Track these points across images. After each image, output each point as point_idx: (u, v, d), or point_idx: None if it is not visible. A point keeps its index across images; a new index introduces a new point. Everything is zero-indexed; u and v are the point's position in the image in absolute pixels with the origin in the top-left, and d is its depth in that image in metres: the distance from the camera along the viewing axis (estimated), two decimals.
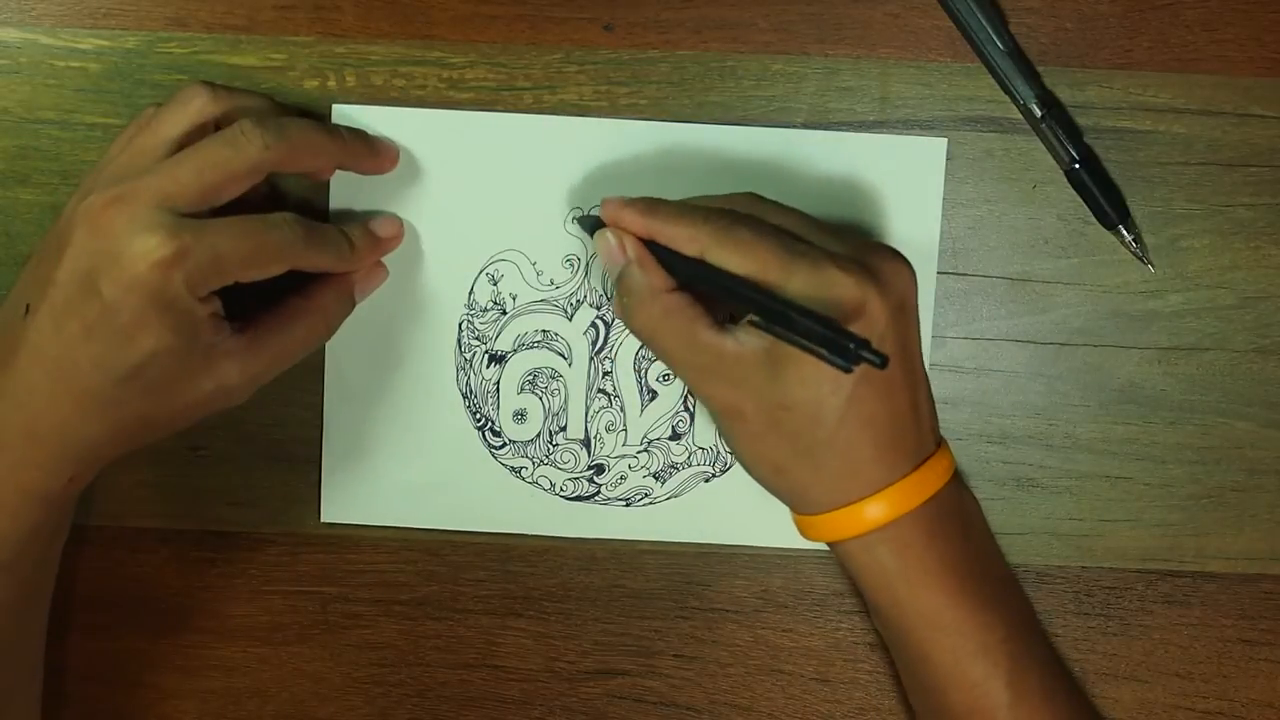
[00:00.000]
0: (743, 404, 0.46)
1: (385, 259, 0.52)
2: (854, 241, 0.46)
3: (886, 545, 0.46)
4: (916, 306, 0.47)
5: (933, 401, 0.49)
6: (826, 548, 0.49)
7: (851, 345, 0.40)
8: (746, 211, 0.47)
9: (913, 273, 0.46)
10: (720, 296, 0.46)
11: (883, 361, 0.40)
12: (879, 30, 0.52)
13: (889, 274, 0.45)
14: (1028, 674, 0.47)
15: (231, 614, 0.54)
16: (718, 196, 0.49)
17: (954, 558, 0.47)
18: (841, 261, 0.44)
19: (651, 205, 0.47)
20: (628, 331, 0.53)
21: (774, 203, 0.48)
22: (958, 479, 0.49)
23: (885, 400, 0.45)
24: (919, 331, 0.47)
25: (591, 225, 0.49)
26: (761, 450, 0.47)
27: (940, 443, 0.48)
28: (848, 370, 0.41)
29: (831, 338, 0.41)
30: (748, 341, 0.45)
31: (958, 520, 0.48)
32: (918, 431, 0.47)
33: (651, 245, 0.47)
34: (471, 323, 0.53)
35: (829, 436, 0.45)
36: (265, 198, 0.51)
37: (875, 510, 0.46)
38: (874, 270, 0.45)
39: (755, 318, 0.43)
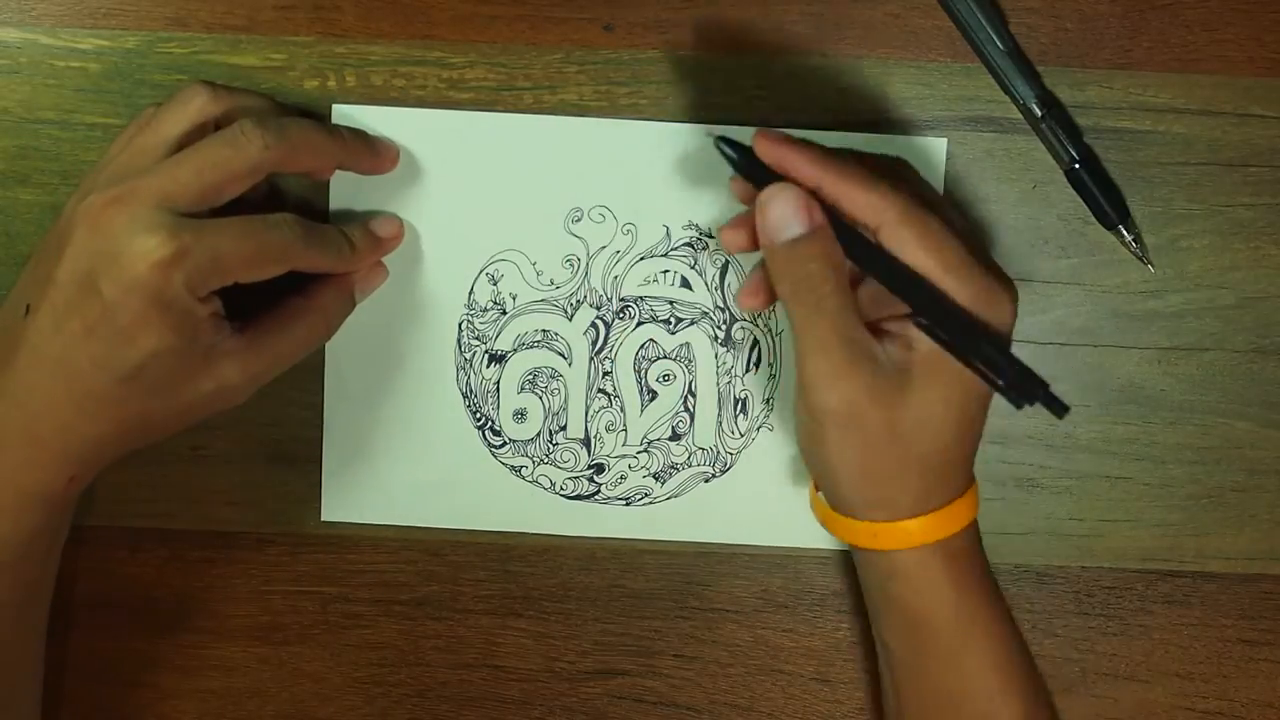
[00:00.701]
0: (862, 410, 0.43)
1: (385, 259, 0.52)
2: (987, 256, 0.45)
3: (941, 551, 0.46)
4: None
5: None
6: (840, 548, 0.49)
7: (1040, 390, 0.40)
8: (901, 175, 0.45)
9: (1017, 302, 0.45)
10: (892, 289, 0.42)
11: (1064, 410, 0.40)
12: (879, 30, 0.52)
13: (1005, 300, 0.44)
14: (1036, 690, 0.48)
15: (231, 614, 0.54)
16: (879, 160, 0.44)
17: (985, 570, 0.48)
18: (1004, 280, 0.43)
19: (826, 154, 0.42)
20: (627, 331, 0.53)
21: (939, 194, 0.46)
22: None
23: (982, 416, 0.46)
24: None
25: (741, 157, 0.42)
26: (866, 459, 0.45)
27: None
28: (1018, 407, 0.40)
29: (1021, 377, 0.40)
30: (891, 352, 0.44)
31: (978, 535, 0.48)
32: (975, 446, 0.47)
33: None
34: (471, 322, 0.53)
35: (940, 450, 0.45)
36: (265, 198, 0.51)
37: (948, 519, 0.46)
38: (1014, 291, 0.44)
39: (926, 323, 0.41)
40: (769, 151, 0.42)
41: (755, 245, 0.44)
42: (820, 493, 0.48)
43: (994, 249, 0.52)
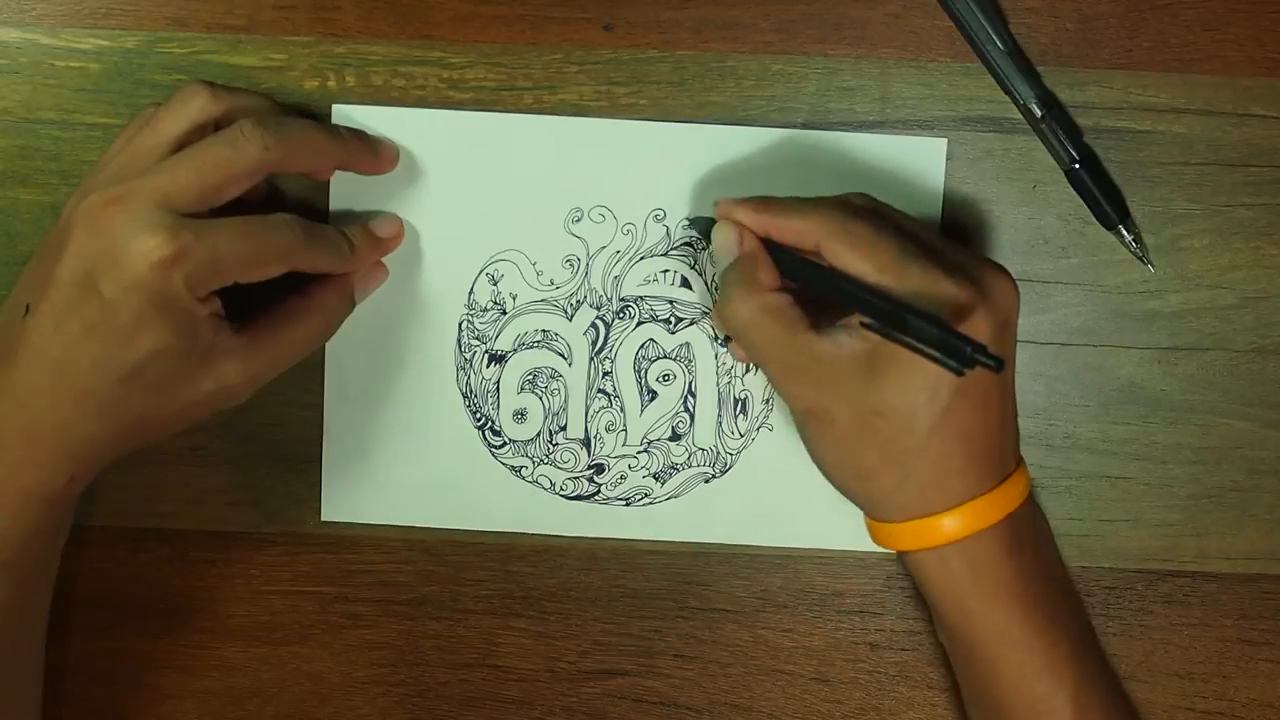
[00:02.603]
0: (834, 407, 0.45)
1: (385, 259, 0.52)
2: (964, 252, 0.46)
3: (962, 558, 0.46)
4: (1017, 325, 0.47)
5: (1017, 420, 0.48)
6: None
7: (968, 349, 0.40)
8: (844, 201, 0.47)
9: (1018, 293, 0.46)
10: (832, 296, 0.45)
11: (999, 364, 0.40)
12: (879, 30, 0.52)
13: (996, 289, 0.45)
14: (1091, 693, 0.47)
15: (231, 614, 0.54)
16: (830, 197, 0.48)
17: (1026, 574, 0.47)
18: (952, 270, 0.44)
19: (766, 201, 0.47)
20: (627, 331, 0.53)
21: (887, 205, 0.48)
22: (1032, 498, 0.49)
23: (979, 413, 0.45)
24: (1015, 351, 0.48)
25: (704, 227, 0.49)
26: (847, 455, 0.46)
27: (1020, 461, 0.48)
28: (960, 373, 0.40)
29: (947, 340, 0.40)
30: (847, 344, 0.45)
31: (1030, 538, 0.47)
32: (1003, 448, 0.47)
33: (766, 245, 0.47)
34: (471, 322, 0.53)
35: (921, 445, 0.45)
36: (265, 198, 0.51)
37: (956, 523, 0.46)
38: (982, 283, 0.45)
39: (868, 320, 0.42)
40: (721, 211, 0.48)
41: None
42: None
43: (994, 249, 0.52)
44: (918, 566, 0.47)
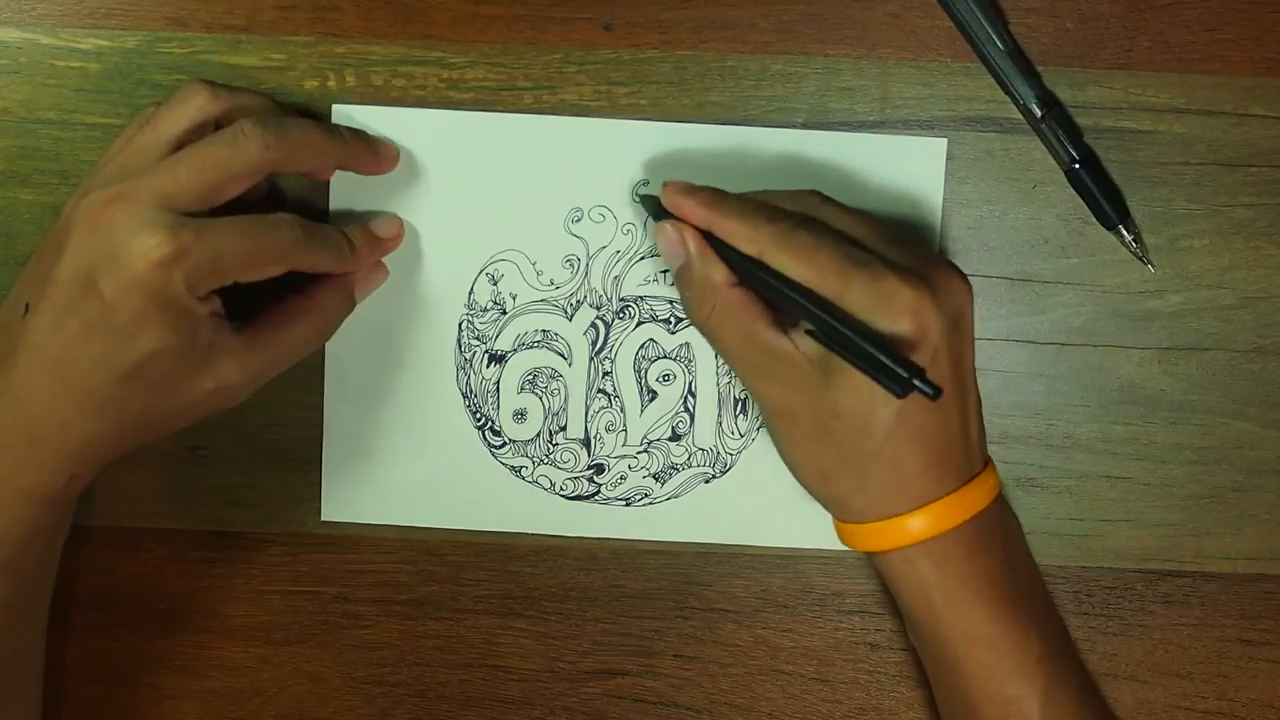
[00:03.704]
0: (795, 406, 0.46)
1: (385, 259, 0.52)
2: (915, 252, 0.46)
3: (927, 559, 0.46)
4: (972, 323, 0.47)
5: (983, 420, 0.49)
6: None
7: (905, 373, 0.40)
8: (810, 212, 0.47)
9: (970, 289, 0.46)
10: (777, 301, 0.46)
11: (936, 393, 0.40)
12: (879, 30, 0.52)
13: (946, 289, 0.45)
14: (1061, 694, 0.47)
15: (231, 614, 0.54)
16: (781, 193, 0.48)
17: (993, 575, 0.47)
18: (901, 272, 0.44)
19: (714, 198, 0.47)
20: (627, 331, 0.53)
21: (839, 204, 0.48)
22: (1002, 498, 0.49)
23: (936, 416, 0.45)
24: (973, 349, 0.47)
25: (653, 207, 0.49)
26: (809, 455, 0.47)
27: (988, 462, 0.48)
28: (900, 396, 0.40)
29: (886, 364, 0.41)
30: (804, 345, 0.45)
31: (999, 539, 0.47)
32: (966, 449, 0.47)
33: (717, 245, 0.47)
34: (471, 322, 0.53)
35: (877, 448, 0.45)
36: (265, 198, 0.51)
37: (918, 524, 0.46)
38: (932, 284, 0.44)
39: (811, 328, 0.43)
40: (669, 200, 0.47)
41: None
42: None
43: (994, 249, 0.52)
44: (885, 567, 0.48)
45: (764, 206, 0.47)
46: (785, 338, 0.45)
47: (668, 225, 0.47)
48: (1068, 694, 0.47)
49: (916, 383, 0.40)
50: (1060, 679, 0.47)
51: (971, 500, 0.46)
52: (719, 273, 0.46)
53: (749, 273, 0.46)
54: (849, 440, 0.45)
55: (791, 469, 0.48)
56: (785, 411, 0.46)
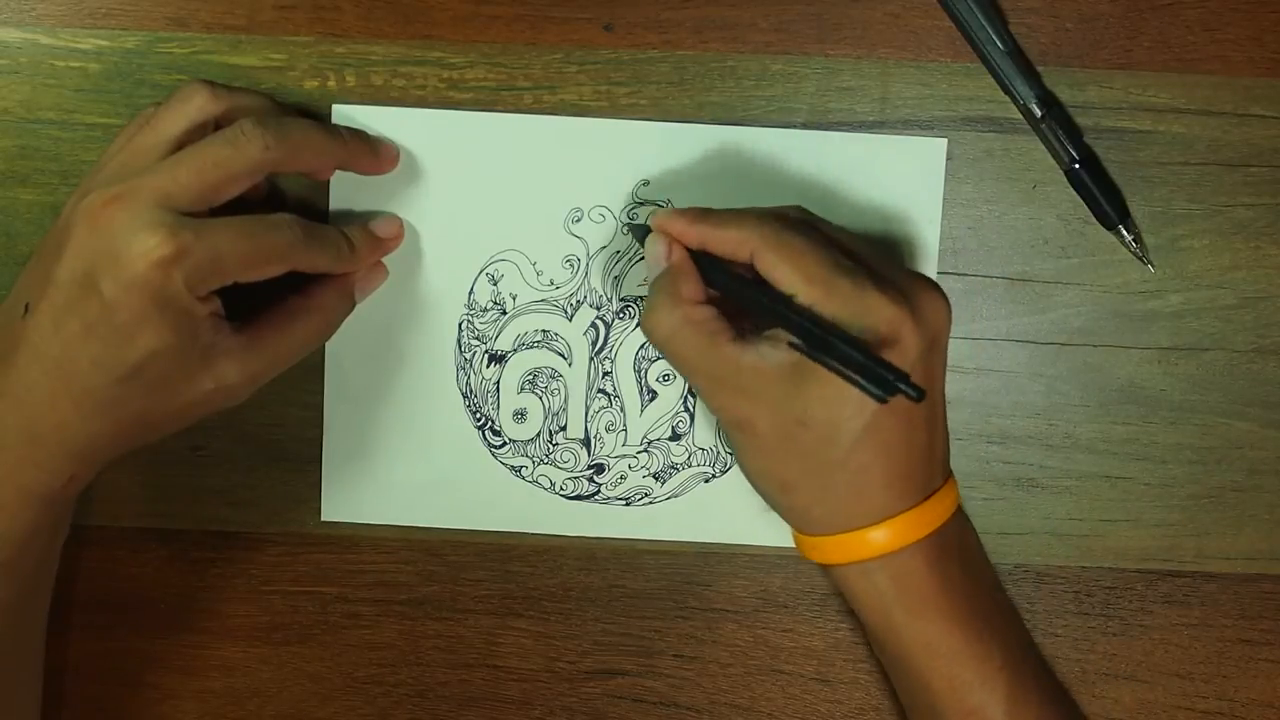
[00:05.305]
0: (756, 417, 0.45)
1: (385, 259, 0.52)
2: (898, 268, 0.46)
3: (885, 572, 0.46)
4: (947, 343, 0.47)
5: (948, 437, 0.49)
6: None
7: (890, 376, 0.40)
8: (779, 213, 0.47)
9: (949, 310, 0.46)
10: (761, 314, 0.46)
11: (919, 395, 0.40)
12: (879, 30, 0.52)
13: (928, 307, 0.45)
14: (1025, 703, 0.47)
15: (231, 614, 0.54)
16: (767, 209, 0.48)
17: (952, 587, 0.47)
18: (884, 286, 0.44)
19: (702, 213, 0.47)
20: (627, 331, 0.53)
21: (820, 218, 0.48)
22: (961, 512, 0.49)
23: (903, 430, 0.45)
24: (945, 367, 0.47)
25: (642, 233, 0.49)
26: (770, 466, 0.47)
27: (948, 476, 0.48)
28: (883, 400, 0.40)
29: (870, 367, 0.41)
30: (770, 355, 0.45)
31: (957, 552, 0.47)
32: (929, 464, 0.47)
33: (699, 259, 0.47)
34: (471, 322, 0.53)
35: (842, 458, 0.45)
36: (265, 198, 0.51)
37: (880, 537, 0.46)
38: (914, 302, 0.44)
39: (794, 340, 0.43)
40: (658, 222, 0.48)
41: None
42: None
43: (994, 249, 0.52)
44: (843, 580, 0.47)
45: (754, 213, 0.47)
46: (749, 349, 0.45)
47: (659, 237, 0.48)
48: (1030, 703, 0.47)
49: (901, 385, 0.40)
50: (1023, 686, 0.47)
51: (933, 515, 0.46)
52: (690, 287, 0.46)
53: (733, 288, 0.46)
54: (813, 450, 0.45)
55: (751, 480, 0.48)
56: (745, 423, 0.46)
